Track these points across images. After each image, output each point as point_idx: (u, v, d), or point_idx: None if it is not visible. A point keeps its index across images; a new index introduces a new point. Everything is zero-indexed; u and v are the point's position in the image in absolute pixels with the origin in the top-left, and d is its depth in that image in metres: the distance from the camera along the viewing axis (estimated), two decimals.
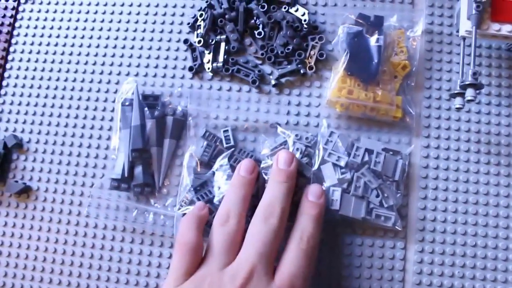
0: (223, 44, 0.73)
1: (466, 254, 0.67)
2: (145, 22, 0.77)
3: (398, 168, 0.67)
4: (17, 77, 0.79)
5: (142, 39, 0.76)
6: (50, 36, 0.79)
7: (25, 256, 0.72)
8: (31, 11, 0.81)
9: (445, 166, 0.69)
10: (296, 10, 0.73)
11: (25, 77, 0.78)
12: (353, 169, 0.66)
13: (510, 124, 0.70)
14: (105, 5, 0.79)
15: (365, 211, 0.65)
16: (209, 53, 0.73)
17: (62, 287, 0.70)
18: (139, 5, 0.78)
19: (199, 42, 0.73)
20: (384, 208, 0.66)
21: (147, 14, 0.77)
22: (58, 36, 0.78)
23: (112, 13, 0.78)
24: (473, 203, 0.68)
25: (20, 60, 0.79)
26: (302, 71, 0.71)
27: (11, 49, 0.80)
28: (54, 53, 0.78)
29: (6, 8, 0.81)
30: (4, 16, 0.81)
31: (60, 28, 0.79)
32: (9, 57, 0.80)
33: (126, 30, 0.77)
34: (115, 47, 0.77)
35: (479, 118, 0.71)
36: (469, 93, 0.62)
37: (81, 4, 0.80)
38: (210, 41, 0.73)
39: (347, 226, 0.68)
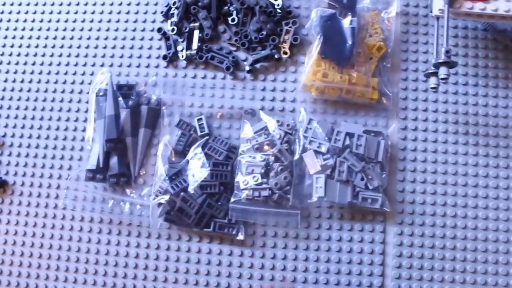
0: (196, 32, 0.71)
1: (446, 235, 0.65)
2: (119, 13, 0.75)
3: (381, 149, 0.65)
4: None
5: (116, 30, 0.74)
6: (23, 29, 0.77)
7: (2, 251, 0.70)
8: (4, 4, 0.79)
9: (423, 148, 0.67)
10: None
11: None
12: (335, 155, 0.65)
13: (487, 104, 0.68)
14: None
15: (351, 196, 0.63)
16: (182, 41, 0.71)
17: (40, 281, 0.68)
18: None
19: (173, 30, 0.71)
20: (370, 190, 0.64)
21: (120, 4, 0.75)
22: (31, 29, 0.77)
23: (86, 4, 0.76)
24: (452, 184, 0.66)
25: None
26: (276, 56, 0.69)
27: None
28: (28, 46, 0.76)
29: None
30: None
31: (33, 20, 0.77)
32: None
33: (100, 21, 0.75)
34: (89, 38, 0.75)
35: (456, 99, 0.69)
36: (442, 71, 0.60)
37: None
38: (184, 29, 0.71)
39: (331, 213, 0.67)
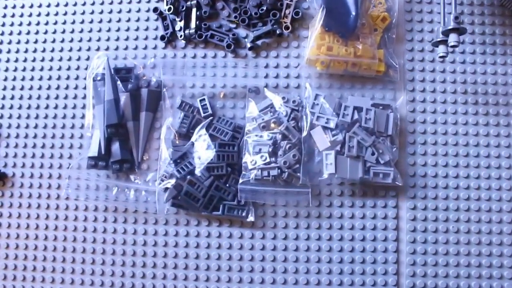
0: (194, 10, 0.67)
1: (459, 208, 0.62)
2: None
3: (390, 122, 0.62)
4: None
5: (110, 12, 0.70)
6: (13, 15, 0.72)
7: (6, 245, 0.67)
8: None
9: (433, 120, 0.64)
10: None
11: None
12: (344, 130, 0.62)
13: (496, 73, 0.65)
14: None
15: (362, 171, 0.60)
16: (180, 20, 0.68)
17: (46, 274, 0.65)
18: None
19: (169, 9, 0.67)
20: (381, 165, 0.61)
21: None
22: (21, 15, 0.72)
23: None
24: (463, 156, 0.63)
25: None
26: (278, 32, 0.65)
27: None
28: (19, 33, 0.72)
29: None
30: None
31: (23, 6, 0.72)
32: None
33: (93, 3, 0.71)
34: (82, 22, 0.70)
35: (464, 68, 0.66)
36: (452, 38, 0.58)
37: None
38: (181, 7, 0.67)
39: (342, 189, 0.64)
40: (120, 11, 0.70)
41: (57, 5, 0.72)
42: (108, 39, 0.70)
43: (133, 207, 0.65)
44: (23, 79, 0.70)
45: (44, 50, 0.71)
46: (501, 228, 0.62)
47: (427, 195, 0.63)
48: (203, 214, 0.63)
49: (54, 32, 0.71)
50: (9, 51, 0.71)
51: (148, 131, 0.66)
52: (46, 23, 0.71)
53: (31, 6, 0.72)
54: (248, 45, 0.66)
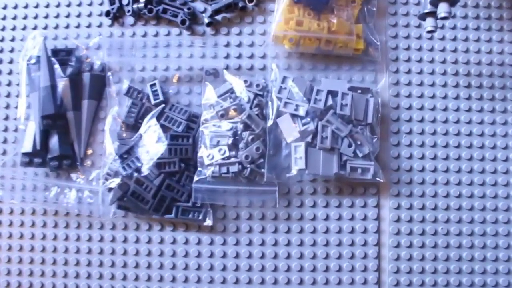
0: None
1: (450, 206, 0.52)
2: None
3: (370, 109, 0.52)
4: None
5: None
6: None
7: None
8: None
9: (419, 105, 0.54)
10: None
11: None
12: (316, 118, 0.51)
13: (491, 51, 0.55)
14: None
15: (337, 166, 0.50)
16: None
17: None
18: None
19: None
20: (360, 158, 0.51)
21: None
22: None
23: None
24: (454, 147, 0.53)
25: None
26: (240, 5, 0.54)
27: None
28: None
29: None
30: None
31: None
32: None
33: None
34: None
35: (455, 46, 0.55)
36: (442, 8, 0.47)
37: None
38: None
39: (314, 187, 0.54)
40: None
41: None
42: (46, 16, 0.58)
43: (76, 210, 0.54)
44: None
45: None
46: (496, 229, 0.52)
47: (413, 193, 0.53)
48: (155, 217, 0.53)
49: None
50: None
51: (91, 122, 0.55)
52: None
53: None
54: (206, 20, 0.55)
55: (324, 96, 0.51)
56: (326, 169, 0.50)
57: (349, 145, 0.51)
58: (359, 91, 0.53)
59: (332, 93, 0.52)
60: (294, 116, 0.51)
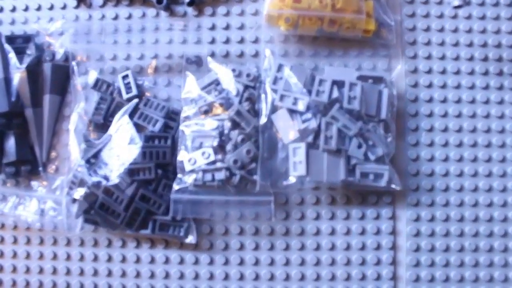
0: None
1: (479, 218, 0.43)
2: None
3: (384, 102, 0.42)
4: None
5: None
6: None
7: None
8: None
9: (442, 97, 0.45)
10: None
11: None
12: (318, 113, 0.42)
13: None
14: None
15: (345, 171, 0.41)
16: None
17: None
18: None
19: None
20: (372, 161, 0.42)
21: None
22: None
23: None
24: (484, 146, 0.44)
25: None
26: None
27: None
28: None
29: None
30: None
31: None
32: None
33: None
34: None
35: (484, 26, 0.46)
36: None
37: None
38: None
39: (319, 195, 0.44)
40: None
41: None
42: None
43: (38, 223, 0.46)
44: None
45: None
46: None
47: (435, 201, 0.43)
48: (129, 233, 0.45)
49: None
50: None
51: (54, 120, 0.46)
52: None
53: None
54: None
55: (328, 87, 0.42)
56: (331, 175, 0.41)
57: (359, 146, 0.41)
58: (370, 80, 0.43)
59: (338, 84, 0.42)
60: (292, 111, 0.42)
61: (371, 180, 0.42)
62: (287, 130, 0.42)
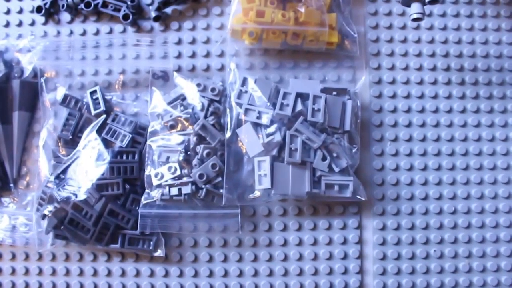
0: None
1: (443, 225, 0.42)
2: None
3: (348, 113, 0.41)
4: None
5: None
6: None
7: None
8: None
9: (406, 107, 0.43)
10: None
11: None
12: (283, 127, 0.41)
13: (487, 41, 0.44)
14: None
15: (310, 183, 0.40)
16: None
17: None
18: None
19: None
20: (336, 173, 0.41)
21: None
22: None
23: None
24: (447, 155, 0.43)
25: None
26: None
27: None
28: None
29: None
30: None
31: None
32: None
33: None
34: None
35: (445, 36, 0.45)
36: None
37: None
38: None
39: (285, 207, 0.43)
40: None
41: None
42: None
43: (9, 239, 0.44)
44: None
45: None
46: (497, 249, 0.42)
47: (401, 210, 0.42)
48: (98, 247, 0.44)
49: None
50: None
51: (24, 137, 0.45)
52: None
53: None
54: (153, 14, 0.44)
55: (292, 100, 0.40)
56: (296, 188, 0.40)
57: (323, 159, 0.40)
58: (334, 92, 0.42)
59: (302, 96, 0.41)
60: (257, 125, 0.41)
61: (336, 191, 0.41)
62: (252, 144, 0.40)
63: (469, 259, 0.42)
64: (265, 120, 0.40)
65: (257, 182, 0.40)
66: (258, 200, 0.41)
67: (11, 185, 0.44)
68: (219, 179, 0.40)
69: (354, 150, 0.41)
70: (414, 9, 0.38)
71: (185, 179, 0.40)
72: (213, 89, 0.41)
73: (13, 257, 0.44)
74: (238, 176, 0.41)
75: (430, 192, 0.43)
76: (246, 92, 0.41)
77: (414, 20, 0.38)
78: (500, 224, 0.42)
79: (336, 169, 0.40)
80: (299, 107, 0.41)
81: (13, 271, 0.44)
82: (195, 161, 0.40)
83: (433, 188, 0.43)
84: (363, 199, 0.41)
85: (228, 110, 0.41)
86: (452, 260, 0.42)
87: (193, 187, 0.40)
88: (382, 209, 0.42)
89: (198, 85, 0.41)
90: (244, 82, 0.41)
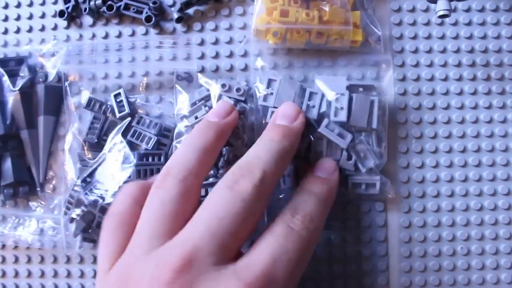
0: None
1: (470, 222, 0.41)
2: None
3: (375, 111, 0.40)
4: None
5: None
6: None
7: None
8: None
9: (431, 104, 0.42)
10: None
11: None
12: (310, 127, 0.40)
13: None
14: None
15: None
16: None
17: None
18: None
19: None
20: (364, 172, 0.40)
21: None
22: None
23: None
24: (473, 151, 0.42)
25: None
26: None
27: None
28: None
29: None
30: None
31: None
32: None
33: None
34: None
35: (470, 32, 0.43)
36: None
37: None
38: None
39: None
40: None
41: None
42: None
43: (38, 243, 0.44)
44: None
45: None
46: None
47: (426, 208, 0.41)
48: None
49: None
50: None
51: (50, 141, 0.44)
52: None
53: None
54: (175, 15, 0.43)
55: (318, 101, 0.39)
56: None
57: (349, 158, 0.40)
58: (361, 89, 0.41)
59: (328, 95, 0.40)
60: None
61: (363, 190, 0.40)
62: None
63: (495, 256, 0.41)
64: None
65: (282, 183, 0.40)
66: (283, 201, 0.40)
67: (38, 189, 0.44)
68: None
69: (381, 149, 0.41)
70: (441, 6, 0.37)
71: (211, 180, 0.40)
72: (238, 89, 0.40)
73: (42, 260, 0.44)
74: None
75: (457, 189, 0.41)
76: (271, 94, 0.40)
77: (441, 16, 0.37)
78: None
79: (363, 169, 0.40)
80: (324, 108, 0.40)
81: (43, 274, 0.44)
82: (221, 163, 0.40)
83: (459, 185, 0.42)
84: (391, 196, 0.40)
85: (254, 111, 0.40)
86: (479, 256, 0.41)
87: None
88: (408, 207, 0.41)
89: (223, 85, 0.40)
90: (269, 83, 0.40)
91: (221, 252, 0.29)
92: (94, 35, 0.45)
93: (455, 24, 0.44)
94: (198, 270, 0.28)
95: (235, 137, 0.40)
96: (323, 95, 0.40)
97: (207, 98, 0.41)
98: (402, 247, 0.41)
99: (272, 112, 0.39)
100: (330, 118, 0.39)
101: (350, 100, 0.39)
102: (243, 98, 0.41)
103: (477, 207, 0.42)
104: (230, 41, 0.43)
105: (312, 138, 0.39)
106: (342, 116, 0.39)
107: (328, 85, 0.41)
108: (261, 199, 0.32)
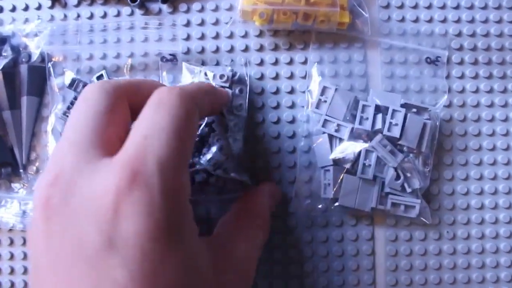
0: None
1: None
2: None
3: (426, 134, 0.39)
4: None
5: None
6: None
7: None
8: None
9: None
10: None
11: None
12: (360, 140, 0.39)
13: (501, 20, 0.44)
14: None
15: (377, 199, 0.39)
16: None
17: None
18: None
19: None
20: (406, 193, 0.39)
21: None
22: None
23: None
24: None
25: None
26: None
27: None
28: None
29: None
30: None
31: None
32: None
33: None
34: None
35: (458, 15, 0.42)
36: None
37: None
38: None
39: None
40: None
41: None
42: None
43: (20, 225, 0.43)
44: None
45: None
46: None
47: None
48: None
49: None
50: None
51: (33, 122, 0.43)
52: None
53: None
54: None
55: (371, 114, 0.39)
56: (362, 203, 0.38)
57: (397, 178, 0.38)
58: (414, 110, 0.40)
59: (381, 109, 0.39)
60: (332, 137, 0.39)
61: (402, 211, 0.39)
62: (323, 155, 0.39)
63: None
64: (343, 134, 0.39)
65: (322, 191, 0.39)
66: (319, 210, 0.39)
67: (21, 170, 0.43)
68: (230, 163, 0.38)
69: (427, 172, 0.39)
70: None
71: (197, 167, 0.38)
72: (221, 76, 0.39)
73: (24, 242, 0.43)
74: (308, 186, 0.40)
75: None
76: (325, 101, 0.39)
77: None
78: None
79: (408, 190, 0.39)
80: (379, 125, 0.38)
81: (25, 256, 0.43)
82: (205, 149, 0.38)
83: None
84: (428, 222, 0.39)
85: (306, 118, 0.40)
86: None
87: (204, 175, 0.38)
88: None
89: (205, 74, 0.39)
90: (324, 90, 0.40)
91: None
92: (78, 15, 0.44)
93: (443, 7, 0.43)
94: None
95: (219, 122, 0.39)
96: (376, 108, 0.39)
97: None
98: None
99: (325, 120, 0.39)
100: (383, 132, 0.38)
101: (404, 118, 0.39)
102: (227, 85, 0.40)
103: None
104: (216, 22, 0.42)
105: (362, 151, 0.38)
106: (396, 132, 0.38)
107: (382, 100, 0.40)
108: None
